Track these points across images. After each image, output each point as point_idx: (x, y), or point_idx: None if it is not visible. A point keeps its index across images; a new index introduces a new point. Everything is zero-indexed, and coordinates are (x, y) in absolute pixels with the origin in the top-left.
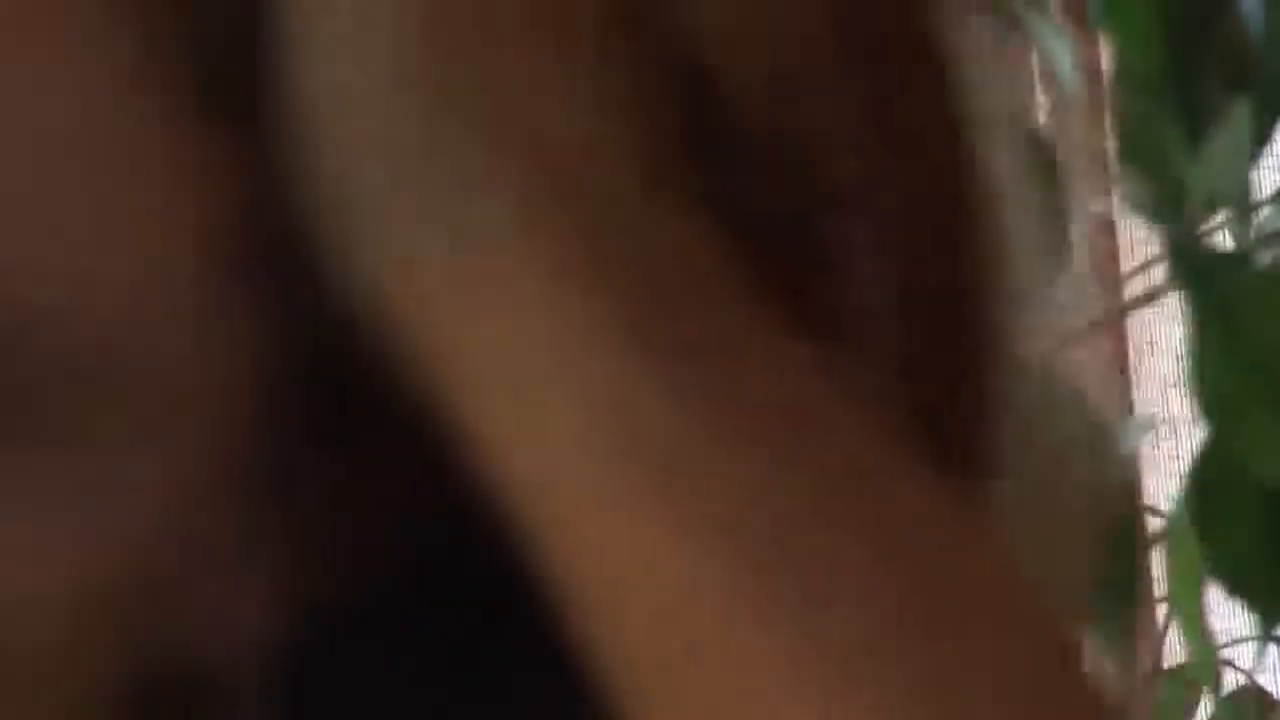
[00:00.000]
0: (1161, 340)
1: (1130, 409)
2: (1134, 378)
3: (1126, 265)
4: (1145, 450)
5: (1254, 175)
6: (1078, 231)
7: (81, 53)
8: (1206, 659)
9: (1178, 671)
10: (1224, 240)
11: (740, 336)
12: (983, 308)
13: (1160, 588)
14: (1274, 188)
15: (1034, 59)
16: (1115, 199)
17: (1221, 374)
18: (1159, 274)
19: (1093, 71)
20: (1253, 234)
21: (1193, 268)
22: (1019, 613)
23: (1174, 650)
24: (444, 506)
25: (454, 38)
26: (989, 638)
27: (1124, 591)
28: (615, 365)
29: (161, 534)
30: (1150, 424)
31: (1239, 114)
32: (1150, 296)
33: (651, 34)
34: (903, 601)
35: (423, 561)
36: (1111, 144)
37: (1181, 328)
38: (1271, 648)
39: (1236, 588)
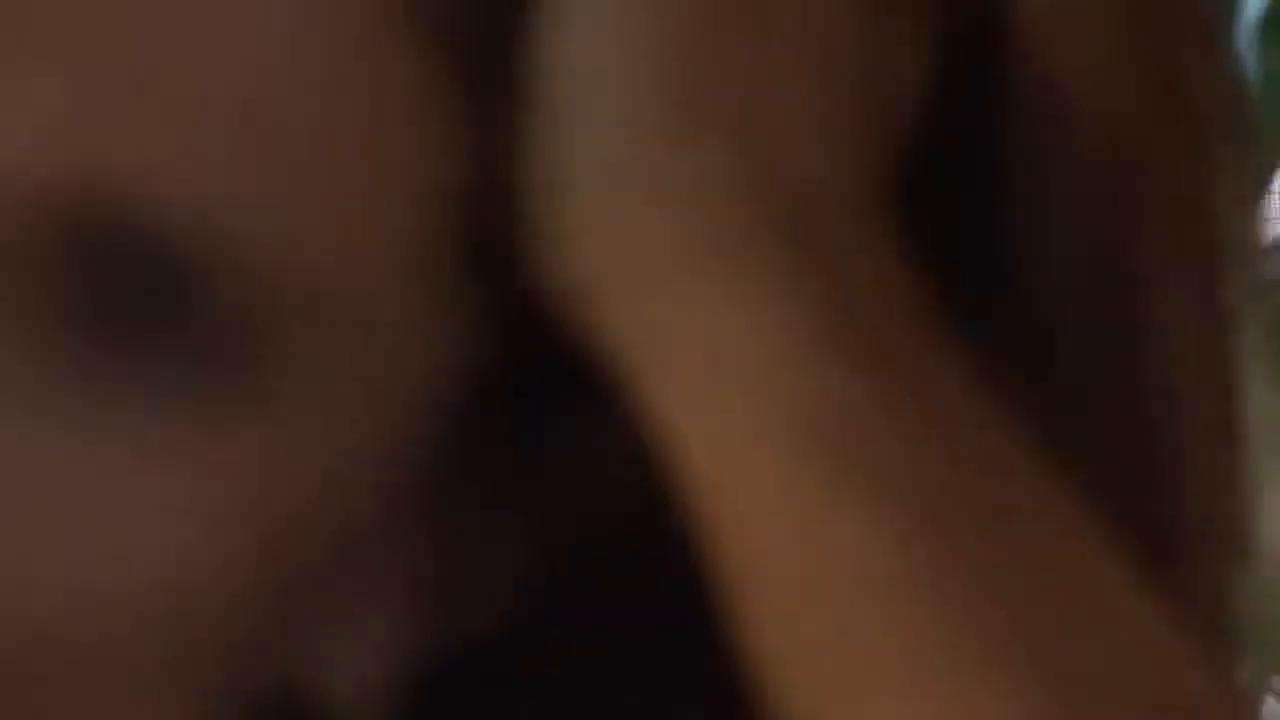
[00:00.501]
0: None
1: None
2: None
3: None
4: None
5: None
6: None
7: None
8: None
9: None
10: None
11: (925, 355)
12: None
13: None
14: (1274, 238)
15: None
16: None
17: None
18: None
19: None
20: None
21: None
22: (1149, 627)
23: None
24: (583, 541)
25: (714, 35)
26: (1122, 646)
27: None
28: (815, 371)
29: (316, 517)
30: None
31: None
32: None
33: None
34: (1050, 602)
35: (549, 596)
36: None
37: None
38: None
39: None
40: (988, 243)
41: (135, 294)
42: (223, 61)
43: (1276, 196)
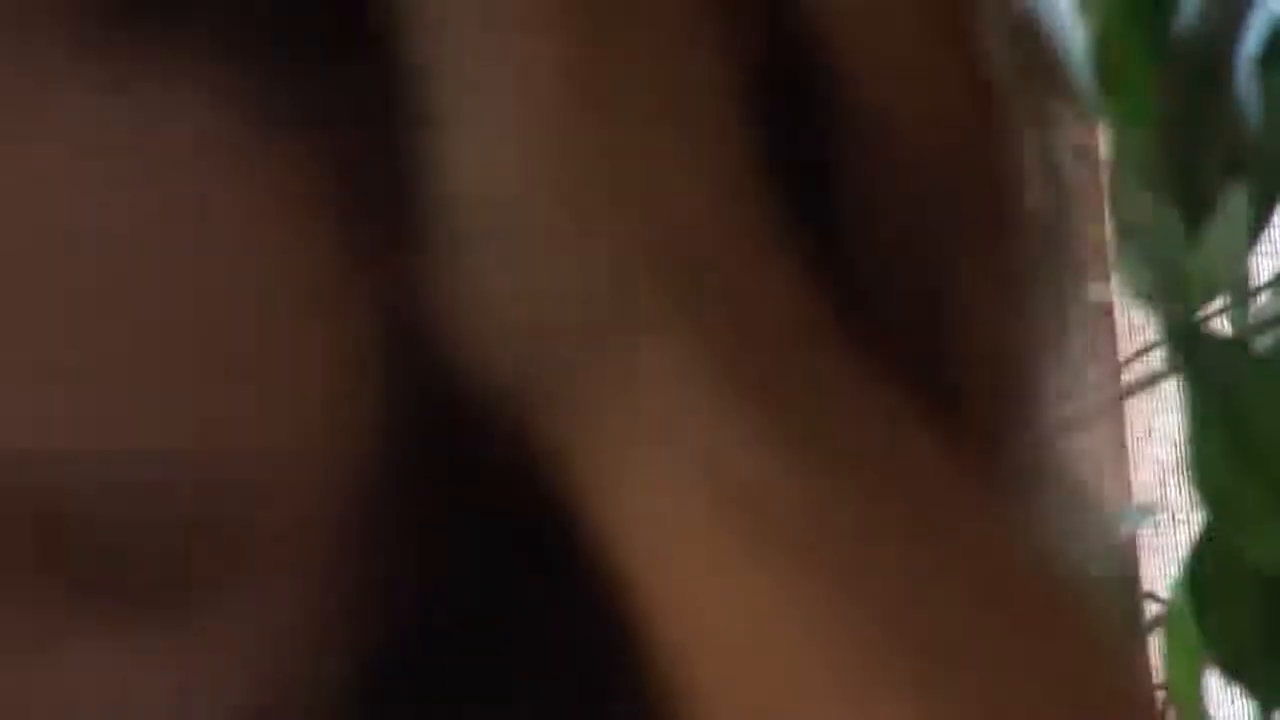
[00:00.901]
0: (1160, 426)
1: (1129, 496)
2: (1133, 464)
3: (1125, 351)
4: (1144, 537)
5: (1252, 261)
6: (1077, 318)
7: (228, 178)
8: None
9: None
10: (1222, 326)
11: (841, 390)
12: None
13: (1159, 675)
14: (1272, 273)
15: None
16: (1114, 285)
17: (1220, 460)
18: (1158, 360)
19: (1091, 158)
20: (1251, 320)
21: (1191, 354)
22: (1067, 620)
23: None
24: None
25: (594, 122)
26: (1039, 643)
27: None
28: (728, 435)
29: (259, 687)
30: (1149, 511)
31: (1237, 200)
32: (1149, 383)
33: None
34: (968, 616)
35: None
36: (1110, 230)
37: (1180, 414)
38: None
39: (1235, 674)
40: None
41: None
42: (146, 300)
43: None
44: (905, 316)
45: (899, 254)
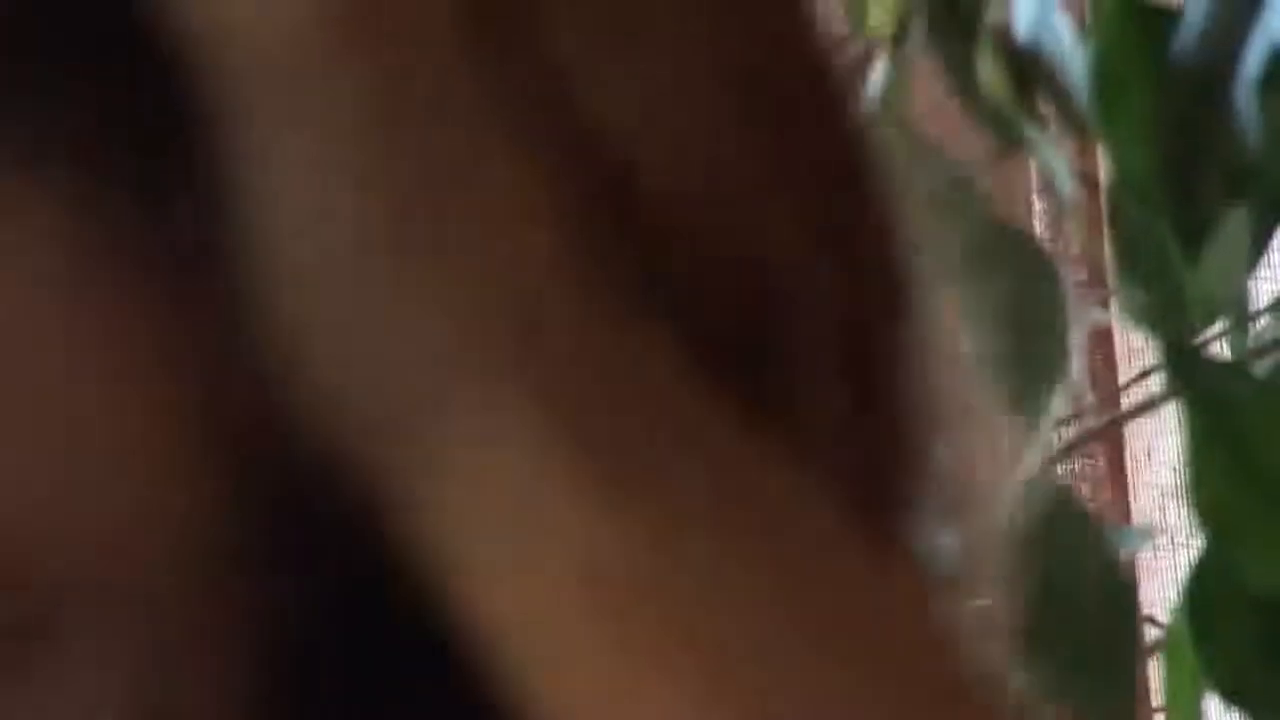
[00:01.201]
0: (1159, 450)
1: (1128, 518)
2: (1132, 488)
3: (1124, 374)
4: (1143, 560)
5: (1252, 284)
6: (1076, 340)
7: (46, 240)
8: None
9: None
10: (1222, 350)
11: (694, 439)
12: (915, 375)
13: (1158, 698)
14: (1272, 297)
15: (1032, 169)
16: (1113, 308)
17: (1219, 484)
18: (1156, 383)
19: (1090, 181)
20: (1251, 343)
21: (1191, 377)
22: (957, 688)
23: None
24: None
25: (408, 177)
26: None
27: (1121, 701)
28: (580, 501)
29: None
30: (1148, 533)
31: (1236, 223)
32: (1147, 406)
33: (566, 136)
34: (848, 684)
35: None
36: (1109, 253)
37: (1179, 437)
38: None
39: (1234, 698)
40: None
41: None
42: None
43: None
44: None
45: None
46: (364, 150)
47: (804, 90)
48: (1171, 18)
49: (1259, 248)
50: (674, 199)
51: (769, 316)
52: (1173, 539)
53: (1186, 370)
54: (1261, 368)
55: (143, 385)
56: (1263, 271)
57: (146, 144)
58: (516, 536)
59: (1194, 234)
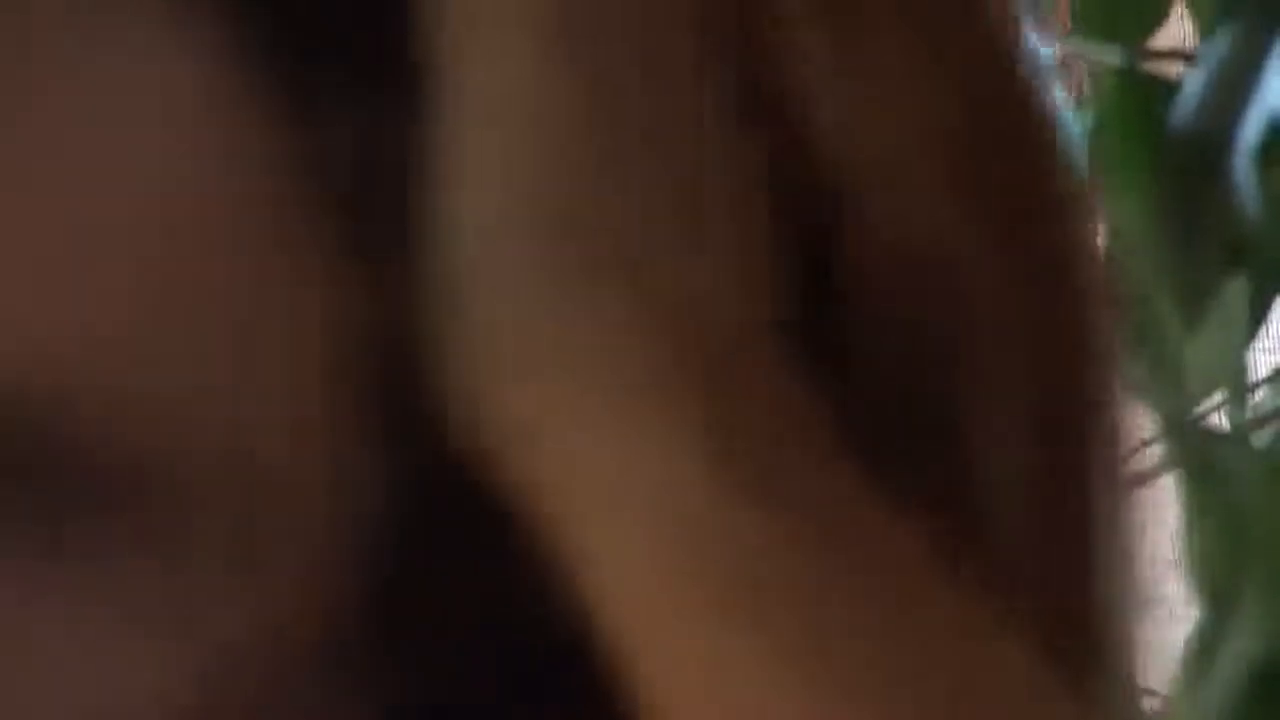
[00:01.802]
0: (1157, 522)
1: None
2: None
3: (1123, 445)
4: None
5: (1250, 356)
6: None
7: (227, 164)
8: None
9: None
10: (1220, 421)
11: (834, 496)
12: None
13: None
14: (1270, 368)
15: None
16: None
17: (1217, 555)
18: (1155, 454)
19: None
20: (1249, 415)
21: (1189, 448)
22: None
23: None
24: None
25: (602, 180)
26: None
27: None
28: (715, 509)
29: (248, 662)
30: (1146, 605)
31: (1235, 294)
32: (1145, 477)
33: (776, 165)
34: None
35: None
36: None
37: (1177, 509)
38: None
39: None
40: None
41: (18, 455)
42: (110, 230)
43: (1276, 325)
44: (908, 425)
45: (905, 367)
46: (574, 101)
47: (1026, 172)
48: (1169, 88)
49: (1257, 319)
50: (885, 248)
51: (959, 406)
52: (1171, 610)
53: (1185, 441)
54: (1260, 439)
55: (311, 295)
56: (1261, 343)
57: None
58: (650, 527)
59: (1193, 305)
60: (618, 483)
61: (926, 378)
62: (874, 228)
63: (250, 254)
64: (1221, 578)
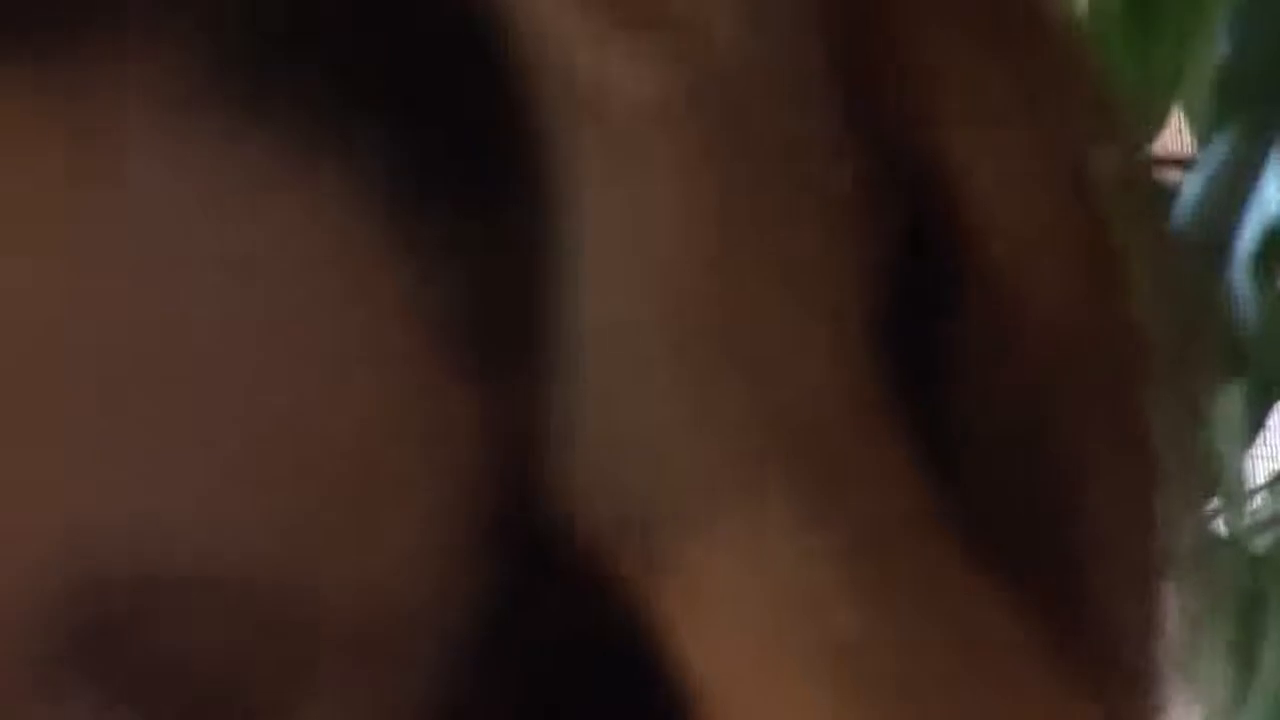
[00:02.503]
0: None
1: None
2: None
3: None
4: None
5: (1248, 462)
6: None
7: (358, 288)
8: None
9: None
10: (1218, 527)
11: (936, 578)
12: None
13: None
14: (1268, 474)
15: None
16: None
17: (1217, 659)
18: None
19: None
20: (1248, 521)
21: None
22: None
23: None
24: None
25: (724, 279)
26: None
27: None
28: (837, 600)
29: None
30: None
31: (1232, 401)
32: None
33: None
34: None
35: None
36: None
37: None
38: None
39: None
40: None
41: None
42: (257, 404)
43: (1273, 431)
44: (1017, 509)
45: (1017, 444)
46: (692, 205)
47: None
48: (1167, 194)
49: (1255, 425)
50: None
51: (1074, 486)
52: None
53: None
54: (1259, 545)
55: (445, 446)
56: (1259, 449)
57: (475, 163)
58: (764, 618)
59: (1190, 411)
60: (744, 585)
61: (1042, 461)
62: (1014, 298)
63: (394, 405)
64: (1223, 681)
